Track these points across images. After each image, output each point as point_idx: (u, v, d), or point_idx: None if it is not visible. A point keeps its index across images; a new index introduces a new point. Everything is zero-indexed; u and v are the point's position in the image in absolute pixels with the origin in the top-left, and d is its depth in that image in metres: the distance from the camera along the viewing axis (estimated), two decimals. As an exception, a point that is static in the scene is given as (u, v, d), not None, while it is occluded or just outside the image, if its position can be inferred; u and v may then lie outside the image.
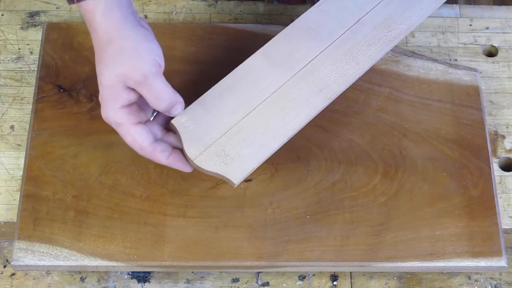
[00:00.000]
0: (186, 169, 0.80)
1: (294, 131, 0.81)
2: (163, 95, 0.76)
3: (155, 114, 0.81)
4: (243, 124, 0.80)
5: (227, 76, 0.82)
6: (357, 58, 0.84)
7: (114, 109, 0.76)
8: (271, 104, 0.81)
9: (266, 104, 0.81)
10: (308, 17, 0.86)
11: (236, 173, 0.79)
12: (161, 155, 0.78)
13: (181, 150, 0.80)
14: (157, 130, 0.80)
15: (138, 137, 0.77)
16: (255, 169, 0.79)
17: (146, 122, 0.79)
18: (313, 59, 0.84)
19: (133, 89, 0.76)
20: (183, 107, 0.79)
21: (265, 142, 0.80)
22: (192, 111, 0.80)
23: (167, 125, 0.81)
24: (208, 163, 0.79)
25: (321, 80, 0.83)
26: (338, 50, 0.84)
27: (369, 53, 0.85)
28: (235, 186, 0.79)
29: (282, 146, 0.81)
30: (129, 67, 0.74)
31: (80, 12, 0.77)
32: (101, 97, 0.77)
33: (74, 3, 0.76)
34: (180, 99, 0.78)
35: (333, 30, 0.85)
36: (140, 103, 0.78)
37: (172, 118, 0.80)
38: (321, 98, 0.82)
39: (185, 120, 0.80)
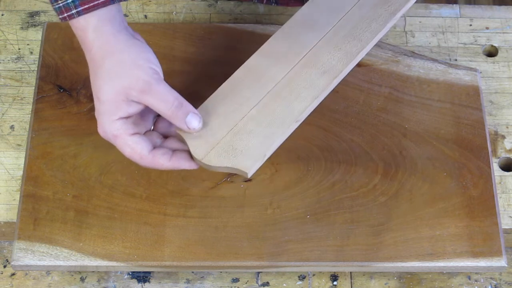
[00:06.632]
0: (192, 166, 0.77)
1: (303, 114, 0.78)
2: (169, 97, 0.74)
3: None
4: (249, 118, 0.78)
5: (228, 79, 0.80)
6: (359, 36, 0.82)
7: (110, 121, 0.74)
8: (276, 95, 0.79)
9: (270, 96, 0.79)
10: (304, 13, 0.84)
11: (248, 162, 0.75)
12: (163, 158, 0.76)
13: (184, 151, 0.77)
14: (157, 138, 0.78)
15: (136, 146, 0.75)
16: (267, 157, 0.76)
17: (145, 132, 0.78)
18: (314, 46, 0.82)
19: (134, 102, 0.74)
20: (200, 120, 0.76)
21: (275, 130, 0.77)
22: None
23: (167, 134, 0.79)
24: (217, 160, 0.75)
25: (324, 64, 0.81)
26: (338, 34, 0.82)
27: (371, 28, 0.82)
28: (249, 176, 0.76)
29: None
30: (131, 78, 0.73)
31: (73, 30, 0.76)
32: (98, 113, 0.75)
33: (66, 20, 0.75)
34: (194, 110, 0.76)
35: (330, 18, 0.83)
36: (138, 116, 0.77)
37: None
38: (326, 78, 0.80)
39: None
